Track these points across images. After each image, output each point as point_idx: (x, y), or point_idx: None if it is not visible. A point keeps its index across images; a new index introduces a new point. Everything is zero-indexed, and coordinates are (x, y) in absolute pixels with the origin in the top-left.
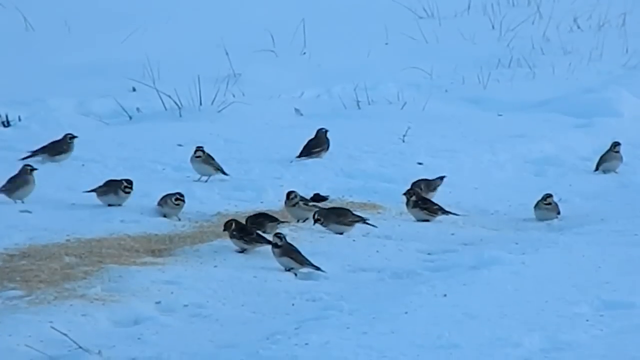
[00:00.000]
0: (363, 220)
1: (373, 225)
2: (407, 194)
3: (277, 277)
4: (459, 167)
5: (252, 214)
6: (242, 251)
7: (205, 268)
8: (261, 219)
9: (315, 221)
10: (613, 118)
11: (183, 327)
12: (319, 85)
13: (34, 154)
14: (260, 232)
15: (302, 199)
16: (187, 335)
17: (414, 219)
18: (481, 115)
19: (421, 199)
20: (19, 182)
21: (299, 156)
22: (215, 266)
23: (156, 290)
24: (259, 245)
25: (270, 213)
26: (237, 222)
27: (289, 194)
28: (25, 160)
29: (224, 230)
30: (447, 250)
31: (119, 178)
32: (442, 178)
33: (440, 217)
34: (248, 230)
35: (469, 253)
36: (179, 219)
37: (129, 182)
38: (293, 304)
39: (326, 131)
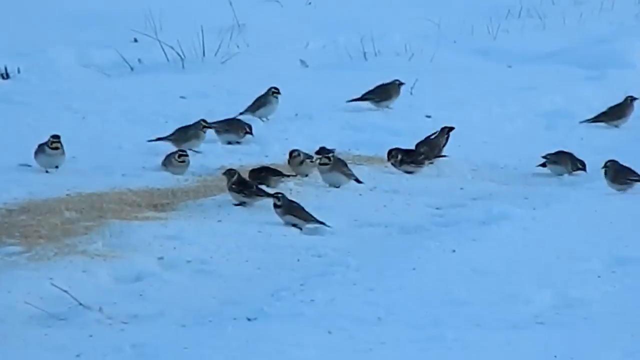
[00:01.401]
0: (355, 178)
1: (361, 182)
2: (389, 157)
3: (282, 232)
4: (468, 120)
5: (254, 167)
6: (241, 204)
7: (209, 223)
8: (264, 173)
9: (323, 164)
10: (625, 70)
11: (186, 283)
12: (324, 36)
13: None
14: (260, 186)
15: (307, 156)
16: (190, 292)
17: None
18: (490, 67)
19: (404, 154)
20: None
21: (353, 100)
22: (219, 221)
23: (158, 245)
24: (259, 199)
25: (274, 167)
26: (238, 174)
27: (291, 153)
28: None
29: (223, 174)
30: (456, 205)
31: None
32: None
33: (449, 171)
34: (248, 183)
35: (478, 208)
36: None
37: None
38: (298, 260)
39: (400, 83)
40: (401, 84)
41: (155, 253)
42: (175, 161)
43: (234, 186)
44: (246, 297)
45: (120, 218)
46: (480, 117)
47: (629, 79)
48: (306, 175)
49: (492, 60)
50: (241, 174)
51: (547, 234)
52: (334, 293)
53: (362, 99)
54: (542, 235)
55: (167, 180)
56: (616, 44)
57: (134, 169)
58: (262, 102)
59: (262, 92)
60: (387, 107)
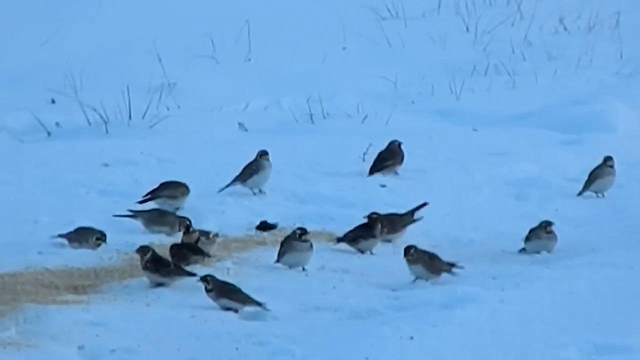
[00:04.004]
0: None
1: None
2: (139, 252)
3: (219, 317)
4: (428, 190)
5: (175, 243)
6: (159, 285)
7: (136, 307)
8: (184, 251)
9: (304, 241)
10: (605, 133)
11: None
12: (266, 96)
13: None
14: (180, 264)
15: (203, 233)
16: None
17: None
18: (454, 130)
19: (152, 260)
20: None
21: (371, 173)
22: (148, 305)
23: (79, 332)
24: (179, 279)
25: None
26: (153, 251)
27: (187, 227)
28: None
29: (137, 252)
30: (414, 286)
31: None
32: (413, 212)
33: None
34: (164, 261)
35: (439, 290)
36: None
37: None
38: (237, 348)
39: (400, 143)
40: (400, 143)
41: (76, 341)
42: (92, 242)
43: (148, 264)
44: None
45: (36, 302)
46: (442, 187)
47: (610, 143)
48: (208, 255)
49: (456, 123)
50: (155, 249)
51: (518, 318)
52: None
53: (371, 172)
54: (511, 320)
55: (89, 258)
56: (595, 104)
57: (52, 246)
58: (254, 169)
59: (252, 159)
60: (396, 172)
